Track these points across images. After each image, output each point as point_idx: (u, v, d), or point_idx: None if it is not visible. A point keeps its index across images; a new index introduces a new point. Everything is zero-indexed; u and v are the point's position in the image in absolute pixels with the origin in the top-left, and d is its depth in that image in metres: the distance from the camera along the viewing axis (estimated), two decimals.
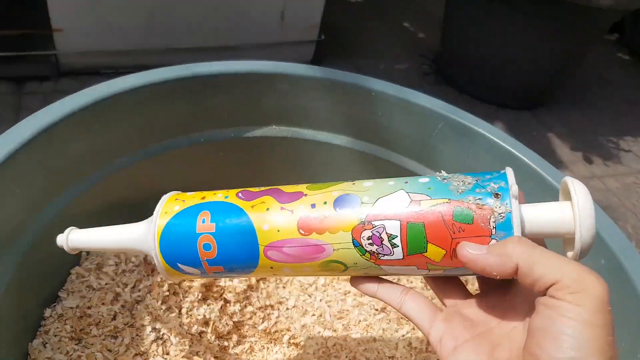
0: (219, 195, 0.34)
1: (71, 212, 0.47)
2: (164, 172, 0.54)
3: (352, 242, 0.30)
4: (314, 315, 0.56)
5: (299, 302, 0.57)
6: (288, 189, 0.33)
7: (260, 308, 0.56)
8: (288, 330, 0.55)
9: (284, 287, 0.59)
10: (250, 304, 0.56)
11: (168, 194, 0.35)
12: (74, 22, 0.95)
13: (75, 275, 0.50)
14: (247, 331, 0.55)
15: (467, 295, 0.32)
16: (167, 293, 0.52)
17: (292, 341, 0.54)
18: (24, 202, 0.43)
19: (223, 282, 0.56)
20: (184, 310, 0.52)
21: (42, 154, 0.43)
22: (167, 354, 0.48)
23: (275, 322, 0.56)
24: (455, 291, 0.32)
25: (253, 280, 0.57)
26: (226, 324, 0.54)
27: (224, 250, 0.32)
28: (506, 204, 0.27)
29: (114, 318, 0.48)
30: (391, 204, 0.30)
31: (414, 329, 0.54)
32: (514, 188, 0.28)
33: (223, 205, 0.33)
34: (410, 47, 1.43)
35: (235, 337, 0.54)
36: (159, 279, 0.52)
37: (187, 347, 0.49)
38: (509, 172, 0.29)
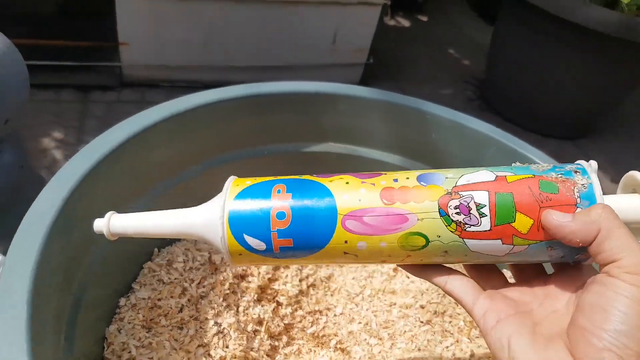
0: (290, 176, 0.34)
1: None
2: None
3: (439, 211, 0.30)
4: (360, 323, 0.60)
5: (346, 310, 0.62)
6: (364, 172, 0.34)
7: (309, 313, 0.61)
8: (335, 335, 0.59)
9: (331, 295, 0.64)
10: (300, 308, 0.61)
11: (231, 177, 0.35)
12: (138, 37, 1.03)
13: (147, 269, 0.55)
14: (296, 334, 0.59)
15: (506, 282, 0.34)
16: (228, 291, 0.57)
17: (338, 346, 0.59)
18: (112, 202, 0.49)
19: (277, 285, 0.61)
20: (241, 309, 0.57)
21: (132, 158, 0.50)
22: (227, 347, 0.53)
23: (323, 327, 0.60)
24: (495, 278, 0.35)
25: (304, 285, 0.62)
26: (278, 325, 0.58)
27: (298, 219, 0.31)
28: (586, 177, 0.30)
29: (181, 310, 0.53)
30: (477, 178, 0.31)
31: (457, 341, 0.58)
32: (593, 163, 0.31)
33: (298, 180, 0.33)
34: (455, 73, 1.48)
35: (285, 339, 0.58)
36: (221, 277, 0.57)
37: (245, 342, 0.54)
38: (581, 161, 0.32)
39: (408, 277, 0.65)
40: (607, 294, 0.26)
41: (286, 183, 0.33)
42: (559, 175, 0.30)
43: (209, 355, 0.51)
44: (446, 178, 0.31)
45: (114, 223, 0.35)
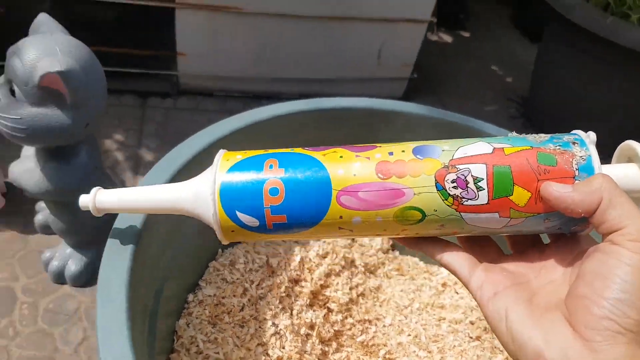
0: (282, 149, 0.33)
1: None
2: None
3: (436, 185, 0.30)
4: (409, 335, 0.62)
5: (395, 321, 0.64)
6: (360, 145, 0.33)
7: (359, 321, 0.63)
8: (384, 345, 0.61)
9: (380, 305, 0.66)
10: (350, 316, 0.63)
11: (221, 150, 0.34)
12: (195, 48, 1.09)
13: (212, 268, 0.59)
14: (345, 341, 0.62)
15: (502, 255, 0.34)
16: (283, 294, 0.60)
17: (387, 356, 0.61)
18: None
19: (328, 291, 0.63)
20: (294, 312, 0.60)
21: (206, 166, 0.53)
22: (283, 348, 0.56)
23: (373, 337, 0.62)
24: (490, 251, 0.34)
25: (354, 294, 0.64)
26: (328, 331, 0.61)
27: (292, 195, 0.31)
28: (585, 149, 0.30)
29: (242, 309, 0.57)
30: (474, 150, 0.30)
31: (507, 359, 0.59)
32: (592, 135, 0.30)
33: (291, 154, 0.32)
34: (499, 90, 1.49)
35: (334, 345, 0.61)
36: (278, 281, 0.60)
37: (299, 345, 0.56)
38: (579, 131, 0.32)
39: (457, 293, 0.67)
40: (610, 262, 0.25)
41: (278, 157, 0.32)
42: (557, 147, 0.30)
43: (267, 354, 0.54)
44: (443, 151, 0.31)
45: (100, 199, 0.35)
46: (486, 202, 0.30)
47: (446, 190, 0.30)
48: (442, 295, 0.67)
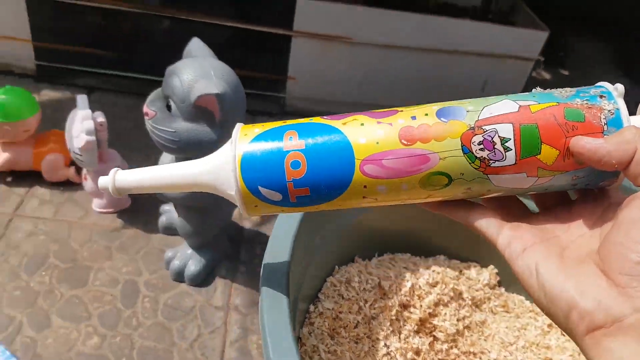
0: (301, 120, 0.33)
1: (338, 235, 0.61)
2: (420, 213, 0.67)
3: (462, 148, 0.29)
4: None
5: (500, 356, 0.65)
6: (381, 110, 0.32)
7: (465, 353, 0.65)
8: None
9: (485, 340, 0.67)
10: (456, 347, 0.65)
11: (238, 124, 0.34)
12: (304, 72, 1.16)
13: (330, 283, 0.63)
14: None
15: (529, 213, 0.34)
16: (393, 317, 0.63)
17: None
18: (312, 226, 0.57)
19: (436, 320, 0.65)
20: (402, 336, 0.62)
21: None
22: None
23: None
24: (517, 209, 0.34)
25: (461, 325, 0.66)
26: (432, 359, 0.63)
27: (314, 167, 0.30)
28: (613, 102, 0.29)
29: (356, 326, 0.60)
30: (500, 109, 0.30)
31: None
32: (620, 87, 0.29)
33: (310, 124, 0.32)
34: None
35: None
36: (389, 303, 0.63)
37: None
38: (605, 83, 0.30)
39: (563, 335, 0.67)
40: None
41: (297, 129, 0.32)
42: (585, 102, 0.29)
43: None
44: (467, 111, 0.30)
45: (119, 178, 0.35)
46: (514, 162, 0.29)
47: (473, 153, 0.29)
48: (547, 335, 0.67)
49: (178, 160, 0.71)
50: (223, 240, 0.84)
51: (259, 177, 0.31)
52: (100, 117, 0.80)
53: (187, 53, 0.67)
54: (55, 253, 0.82)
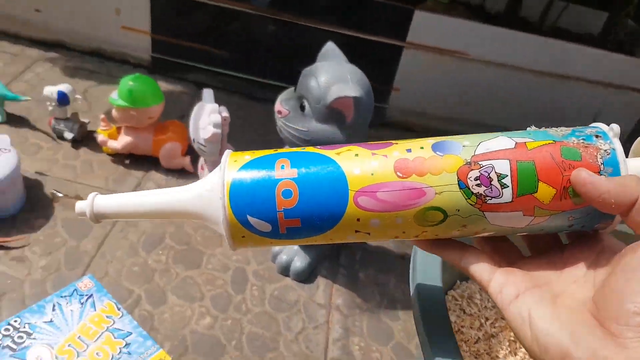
0: (292, 149, 0.32)
1: None
2: None
3: (458, 183, 0.29)
4: None
5: None
6: (375, 142, 0.32)
7: None
8: None
9: None
10: None
11: (227, 151, 0.33)
12: (409, 84, 1.18)
13: (451, 296, 0.64)
14: None
15: (521, 255, 0.33)
16: (512, 338, 0.63)
17: None
18: None
19: None
20: (518, 357, 0.62)
21: None
22: None
23: None
24: (509, 252, 0.34)
25: None
26: None
27: (306, 197, 0.30)
28: (609, 142, 0.29)
29: (477, 342, 0.61)
30: (496, 145, 0.30)
31: None
32: (615, 127, 0.29)
33: (303, 153, 0.31)
34: None
35: None
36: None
37: None
38: (601, 124, 0.31)
39: None
40: None
41: (290, 157, 0.31)
42: (581, 141, 0.29)
43: None
44: (463, 146, 0.30)
45: (98, 203, 0.33)
46: (510, 199, 0.29)
47: (469, 188, 0.29)
48: None
49: None
50: None
51: (249, 205, 0.30)
52: (225, 112, 0.85)
53: (322, 56, 0.71)
54: (171, 235, 0.88)
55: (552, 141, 0.30)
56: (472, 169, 0.29)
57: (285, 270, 0.84)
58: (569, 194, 0.29)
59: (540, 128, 0.31)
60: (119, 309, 0.66)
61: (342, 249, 0.92)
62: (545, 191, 0.29)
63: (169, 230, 0.88)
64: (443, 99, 1.19)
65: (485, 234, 0.32)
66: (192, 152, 1.03)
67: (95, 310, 0.65)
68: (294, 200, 0.30)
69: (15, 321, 0.62)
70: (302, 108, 0.68)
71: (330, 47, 0.72)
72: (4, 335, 0.60)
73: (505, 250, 0.34)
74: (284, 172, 0.30)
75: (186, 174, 1.01)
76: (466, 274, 0.33)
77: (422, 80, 1.17)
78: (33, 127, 1.03)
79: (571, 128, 0.31)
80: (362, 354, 0.75)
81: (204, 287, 0.80)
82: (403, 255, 0.94)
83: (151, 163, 1.00)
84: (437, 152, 0.30)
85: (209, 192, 0.31)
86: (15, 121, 1.04)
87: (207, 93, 0.86)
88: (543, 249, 0.34)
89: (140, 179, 0.97)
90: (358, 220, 0.30)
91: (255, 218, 0.30)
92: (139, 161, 1.00)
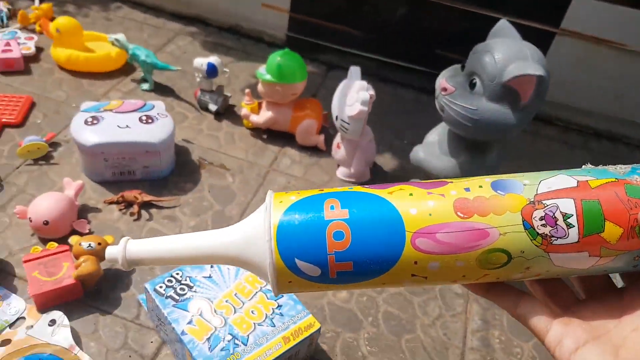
0: (339, 188, 0.31)
1: None
2: None
3: (523, 224, 0.28)
4: None
5: None
6: (428, 180, 0.31)
7: None
8: None
9: None
10: None
11: (270, 191, 0.32)
12: (556, 75, 1.11)
13: None
14: None
15: (576, 299, 0.32)
16: None
17: None
18: None
19: None
20: None
21: None
22: None
23: None
24: (564, 295, 0.32)
25: None
26: None
27: (360, 239, 0.29)
28: None
29: None
30: (558, 184, 0.29)
31: None
32: None
33: (352, 193, 0.30)
34: None
35: None
36: None
37: None
38: None
39: None
40: None
41: (339, 197, 0.30)
42: None
43: None
44: (524, 185, 0.29)
45: (130, 249, 0.32)
46: (577, 240, 0.28)
47: (534, 228, 0.28)
48: None
49: (456, 141, 0.74)
50: None
51: (297, 248, 0.29)
52: (371, 90, 0.86)
53: (494, 33, 0.70)
54: None
55: (614, 179, 0.29)
56: (537, 209, 0.28)
57: None
58: (637, 233, 0.28)
59: (597, 166, 0.31)
60: None
61: None
62: (612, 231, 0.28)
63: None
64: (595, 92, 1.12)
65: (546, 277, 0.31)
66: (324, 131, 1.06)
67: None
68: (347, 243, 0.29)
69: (177, 274, 0.67)
70: (472, 85, 0.67)
71: (503, 24, 0.70)
72: (167, 286, 0.65)
73: (559, 294, 0.33)
74: (335, 213, 0.29)
75: (318, 152, 1.03)
76: (520, 322, 0.32)
77: (572, 71, 1.11)
78: (178, 97, 1.11)
79: (630, 166, 0.30)
80: (502, 347, 0.74)
81: None
82: None
83: (286, 139, 1.04)
84: (498, 191, 0.29)
85: (254, 235, 0.30)
86: (162, 90, 1.12)
87: (355, 70, 0.87)
88: (598, 293, 0.33)
89: (277, 154, 1.01)
90: (415, 263, 0.29)
91: (304, 262, 0.29)
92: (276, 136, 1.04)
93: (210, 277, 0.67)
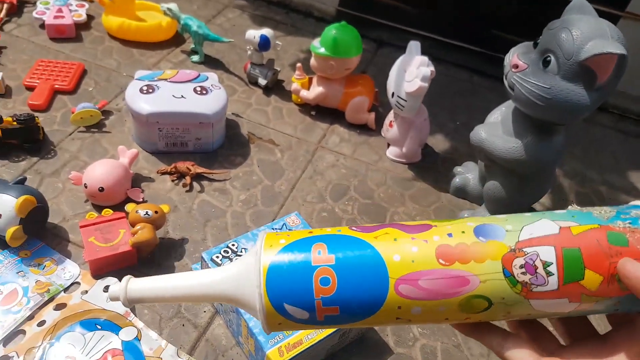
0: (328, 230, 0.32)
1: None
2: None
3: (503, 271, 0.29)
4: None
5: None
6: (410, 223, 0.32)
7: None
8: None
9: None
10: None
11: (263, 232, 0.34)
12: None
13: None
14: None
15: (560, 345, 0.33)
16: None
17: None
18: None
19: None
20: None
21: None
22: None
23: None
24: (547, 338, 0.33)
25: None
26: None
27: (345, 284, 0.30)
28: None
29: None
30: (540, 230, 0.29)
31: None
32: None
33: (339, 237, 0.31)
34: None
35: None
36: None
37: None
38: None
39: None
40: None
41: (326, 241, 0.31)
42: (627, 224, 0.29)
43: None
44: (506, 231, 0.30)
45: (132, 287, 0.33)
46: (556, 287, 0.29)
47: (514, 276, 0.29)
48: None
49: (524, 123, 0.72)
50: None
51: (286, 293, 0.30)
52: (431, 66, 0.85)
53: (569, 10, 0.67)
54: (355, 187, 0.90)
55: (597, 225, 0.29)
56: (517, 256, 0.29)
57: None
58: (617, 281, 0.29)
59: (582, 208, 0.31)
60: None
61: None
62: (592, 278, 0.29)
63: (353, 182, 0.91)
64: None
65: (528, 318, 0.32)
66: (373, 110, 1.05)
67: None
68: (332, 288, 0.30)
69: (233, 244, 0.67)
70: (546, 63, 0.64)
71: (580, 2, 0.67)
72: (224, 257, 0.65)
73: (542, 338, 0.34)
74: (321, 258, 0.30)
75: (367, 131, 1.02)
76: None
77: (633, 57, 1.06)
78: (227, 70, 1.11)
79: (616, 209, 0.31)
80: None
81: None
82: None
83: (335, 117, 1.03)
84: (480, 238, 0.30)
85: (245, 277, 0.32)
86: (211, 63, 1.12)
87: (415, 45, 0.85)
88: (581, 337, 0.33)
89: (325, 131, 1.01)
90: (399, 308, 0.30)
91: (292, 306, 0.31)
92: (324, 113, 1.04)
93: None
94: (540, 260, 0.29)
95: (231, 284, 0.33)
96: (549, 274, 0.29)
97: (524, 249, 0.29)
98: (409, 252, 0.30)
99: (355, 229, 0.32)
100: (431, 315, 0.31)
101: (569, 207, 0.32)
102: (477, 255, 0.29)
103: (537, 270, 0.29)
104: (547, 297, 0.29)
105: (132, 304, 0.34)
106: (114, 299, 0.34)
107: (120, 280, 0.68)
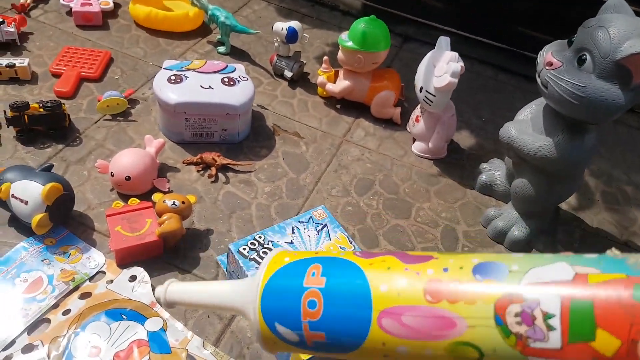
0: (333, 252, 0.32)
1: None
2: None
3: (494, 318, 0.25)
4: None
5: None
6: (415, 252, 0.31)
7: None
8: None
9: None
10: None
11: (275, 249, 0.34)
12: None
13: None
14: None
15: None
16: None
17: None
18: None
19: None
20: None
21: None
22: None
23: None
24: None
25: None
26: None
27: (330, 310, 0.29)
28: None
29: None
30: (550, 274, 0.25)
31: None
32: None
33: (337, 260, 0.31)
34: None
35: None
36: None
37: None
38: None
39: None
40: None
41: (323, 262, 0.31)
42: None
43: None
44: (509, 272, 0.26)
45: (171, 290, 0.36)
46: (559, 346, 0.24)
47: (507, 326, 0.25)
48: None
49: (556, 121, 0.72)
50: (549, 213, 0.84)
51: (276, 311, 0.30)
52: (461, 62, 0.84)
53: (606, 8, 0.66)
54: (380, 182, 0.90)
55: (625, 276, 0.24)
56: (513, 302, 0.25)
57: (499, 237, 0.82)
58: None
59: (622, 254, 0.25)
60: (350, 242, 0.69)
61: (558, 224, 0.88)
62: (606, 341, 0.23)
63: (379, 177, 0.91)
64: None
65: None
66: (399, 105, 1.04)
67: (330, 239, 0.69)
68: (318, 312, 0.29)
69: (260, 237, 0.68)
70: (581, 61, 0.64)
71: (616, 0, 0.67)
72: (250, 249, 0.66)
73: None
74: (313, 281, 0.30)
75: (393, 125, 1.02)
76: None
77: None
78: (253, 62, 1.11)
79: None
80: None
81: (414, 239, 0.81)
82: (626, 242, 0.87)
83: (360, 110, 1.03)
84: (477, 276, 0.27)
85: (247, 290, 0.32)
86: (237, 54, 1.13)
87: (445, 41, 0.85)
88: None
89: (351, 124, 1.01)
90: (384, 344, 0.28)
91: (282, 327, 0.30)
92: (349, 107, 1.04)
93: (291, 242, 0.68)
94: (541, 310, 0.25)
95: (237, 296, 0.33)
96: (549, 327, 0.24)
97: (524, 295, 0.25)
98: (397, 283, 0.28)
99: (358, 254, 0.31)
100: (419, 358, 0.28)
101: (608, 251, 0.27)
102: (467, 296, 0.26)
103: (536, 322, 0.25)
104: (549, 357, 0.25)
105: (170, 305, 0.37)
106: (157, 299, 0.38)
107: (146, 270, 0.70)
